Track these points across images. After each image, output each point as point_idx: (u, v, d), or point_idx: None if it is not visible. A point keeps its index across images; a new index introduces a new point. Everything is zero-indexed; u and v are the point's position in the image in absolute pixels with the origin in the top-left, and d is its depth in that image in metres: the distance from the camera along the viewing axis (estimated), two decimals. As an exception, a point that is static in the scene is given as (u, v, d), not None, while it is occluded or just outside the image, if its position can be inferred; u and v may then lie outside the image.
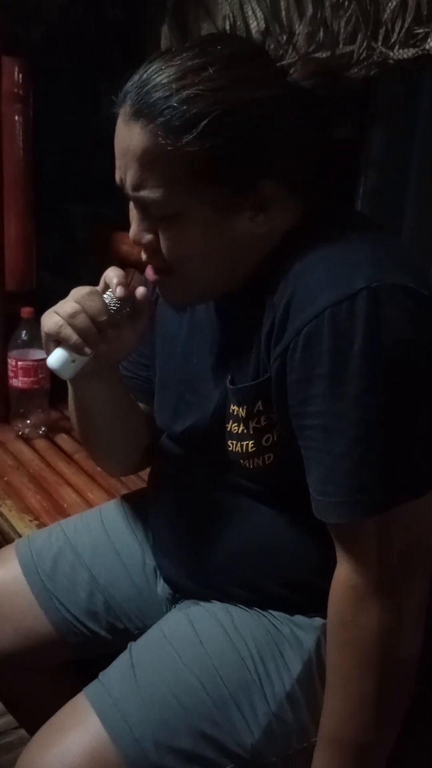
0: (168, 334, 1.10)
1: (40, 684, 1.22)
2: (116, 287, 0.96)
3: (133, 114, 0.84)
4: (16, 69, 1.84)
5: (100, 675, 0.99)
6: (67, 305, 0.94)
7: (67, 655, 1.20)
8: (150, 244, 0.91)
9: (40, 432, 1.93)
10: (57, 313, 0.94)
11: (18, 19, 1.78)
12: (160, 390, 1.13)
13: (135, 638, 1.05)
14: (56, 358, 0.96)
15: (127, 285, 0.97)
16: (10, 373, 1.88)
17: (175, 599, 1.12)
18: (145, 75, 0.84)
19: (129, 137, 0.85)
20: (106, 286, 0.99)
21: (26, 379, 1.87)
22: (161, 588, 1.15)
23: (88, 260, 2.07)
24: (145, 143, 0.84)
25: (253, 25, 1.55)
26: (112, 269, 0.99)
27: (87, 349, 0.94)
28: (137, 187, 0.86)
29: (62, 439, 1.91)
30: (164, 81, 0.83)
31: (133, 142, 0.84)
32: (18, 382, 1.88)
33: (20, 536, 1.49)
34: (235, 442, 0.95)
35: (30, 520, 1.56)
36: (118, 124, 0.87)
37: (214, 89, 0.82)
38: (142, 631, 1.09)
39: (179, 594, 1.10)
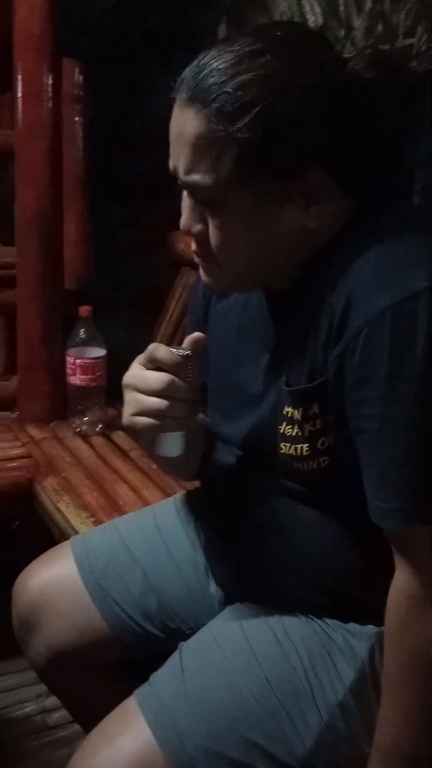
0: (219, 336, 1.07)
1: (95, 682, 1.21)
2: (178, 369, 0.90)
3: (188, 99, 0.83)
4: (77, 71, 1.84)
5: (151, 678, 0.97)
6: (153, 402, 0.88)
7: (121, 654, 1.18)
8: (199, 234, 0.89)
9: (98, 429, 1.92)
10: (145, 414, 0.90)
11: (73, 20, 1.78)
12: (212, 392, 1.10)
13: (187, 638, 1.03)
14: (169, 444, 0.91)
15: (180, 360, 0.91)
16: (69, 371, 1.88)
17: (227, 600, 1.09)
18: (202, 61, 0.83)
19: (183, 122, 0.84)
20: (156, 366, 0.91)
21: (84, 376, 1.87)
22: (213, 588, 1.12)
23: (130, 262, 2.06)
24: (198, 128, 0.82)
25: (311, 20, 1.51)
26: (160, 350, 0.90)
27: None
28: (188, 172, 0.85)
29: (119, 437, 1.91)
30: (220, 66, 0.81)
31: (187, 127, 0.83)
32: (76, 379, 1.88)
33: (77, 533, 1.48)
34: (288, 444, 0.92)
35: (86, 517, 1.55)
36: (174, 109, 0.86)
37: (268, 75, 0.80)
38: (194, 631, 1.06)
39: (231, 596, 1.08)
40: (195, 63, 0.84)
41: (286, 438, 0.92)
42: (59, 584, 1.18)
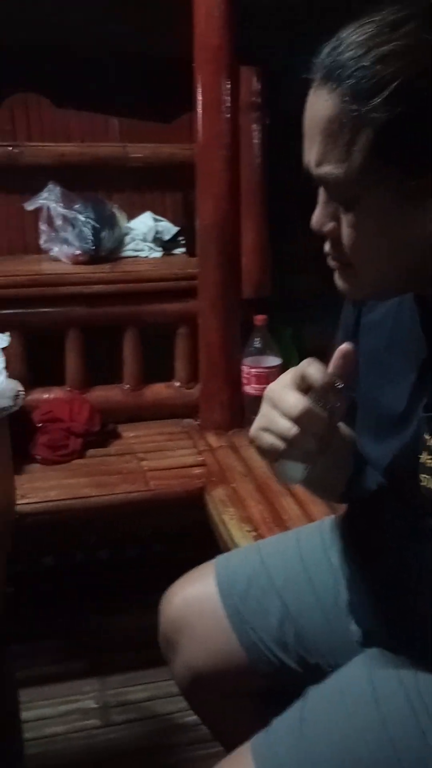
0: (368, 348, 0.96)
1: (235, 707, 1.15)
2: (326, 392, 0.80)
3: (321, 78, 0.73)
4: (254, 78, 1.79)
5: (271, 723, 0.90)
6: (283, 426, 0.78)
7: (259, 684, 1.11)
8: (331, 233, 0.79)
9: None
10: (272, 433, 0.82)
11: (253, 26, 1.73)
12: (360, 408, 0.99)
13: (326, 675, 0.94)
14: (288, 472, 0.84)
15: (333, 383, 0.82)
16: (244, 380, 1.84)
17: (365, 641, 0.98)
18: (340, 36, 0.74)
19: (315, 106, 0.74)
20: (307, 384, 0.83)
21: (259, 386, 1.83)
22: (353, 626, 1.02)
23: (305, 269, 1.96)
24: (330, 110, 0.72)
25: None
26: (314, 368, 0.81)
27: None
28: (319, 163, 0.75)
29: (293, 448, 1.83)
30: (359, 39, 0.71)
31: (319, 111, 0.74)
32: (251, 389, 1.84)
33: (237, 546, 1.44)
34: (428, 477, 0.79)
35: (248, 531, 1.50)
36: (308, 96, 0.76)
37: (411, 46, 0.69)
38: (334, 669, 0.97)
39: (369, 637, 0.97)
40: (333, 39, 0.74)
41: (426, 469, 0.80)
42: (199, 605, 1.14)
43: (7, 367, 1.63)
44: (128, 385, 2.06)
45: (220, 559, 1.20)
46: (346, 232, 0.77)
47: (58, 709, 1.80)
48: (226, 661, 1.10)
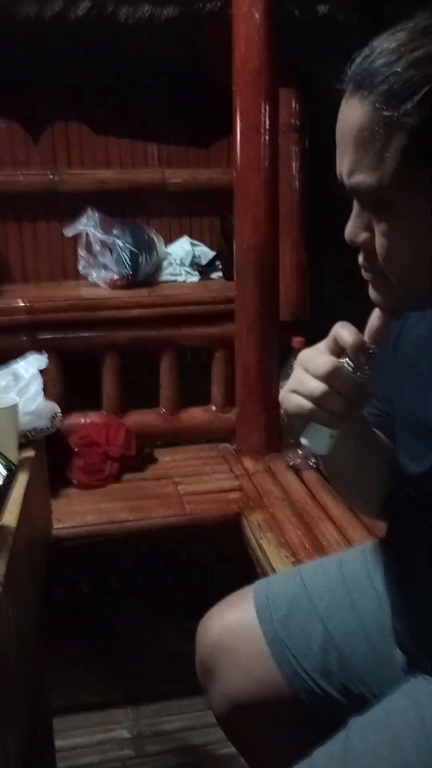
0: (410, 363, 0.93)
1: (275, 738, 1.10)
2: (357, 352, 0.80)
3: (353, 88, 0.72)
4: (293, 100, 1.79)
5: (313, 754, 0.85)
6: (311, 385, 0.78)
7: (300, 713, 1.06)
8: (365, 244, 0.77)
9: (311, 463, 1.82)
10: (300, 394, 0.80)
11: (293, 47, 1.72)
12: (399, 424, 0.95)
13: (370, 705, 0.89)
14: (310, 437, 0.82)
15: (363, 344, 0.81)
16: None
17: (410, 668, 0.93)
18: (372, 45, 0.72)
19: (347, 116, 0.73)
20: (340, 348, 0.82)
21: (297, 409, 1.78)
22: (398, 653, 0.97)
23: (344, 291, 1.93)
24: (362, 118, 0.70)
25: None
26: (345, 329, 0.80)
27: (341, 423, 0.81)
28: (352, 172, 0.73)
29: (332, 472, 1.79)
30: (391, 46, 0.70)
31: (350, 120, 0.72)
32: (289, 412, 1.80)
33: (275, 572, 1.39)
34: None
35: (286, 556, 1.46)
36: (340, 107, 0.74)
37: None
38: (378, 698, 0.92)
39: (415, 664, 0.92)
40: (365, 48, 0.73)
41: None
42: (238, 631, 1.09)
43: (44, 390, 1.66)
44: (165, 409, 2.04)
45: (260, 583, 1.15)
46: (379, 242, 0.74)
47: (92, 738, 1.76)
48: (266, 690, 1.05)
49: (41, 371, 1.46)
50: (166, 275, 2.17)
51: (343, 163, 0.74)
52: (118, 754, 1.72)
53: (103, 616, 1.91)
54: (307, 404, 0.77)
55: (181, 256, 2.17)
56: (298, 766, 0.84)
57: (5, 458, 1.09)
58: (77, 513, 1.69)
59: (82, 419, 1.98)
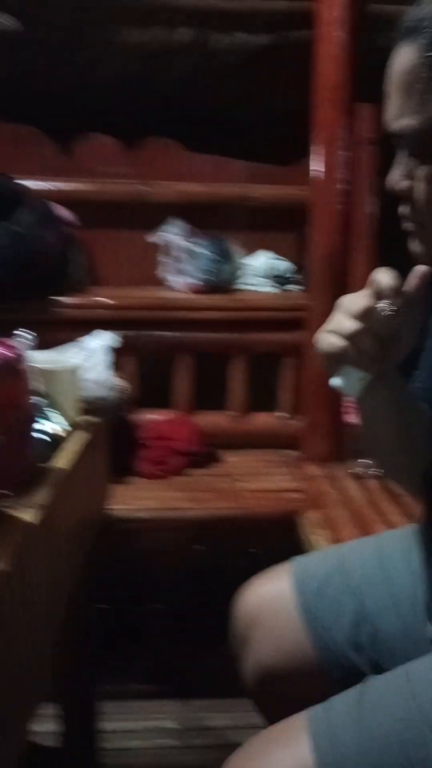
0: None
1: (304, 709, 1.09)
2: (392, 295, 0.82)
3: (403, 34, 0.75)
4: (369, 114, 1.82)
5: (328, 700, 0.84)
6: (346, 324, 0.81)
7: (330, 688, 1.04)
8: (406, 192, 0.78)
9: (372, 471, 1.80)
10: (335, 333, 0.83)
11: (371, 63, 1.76)
12: None
13: None
14: (342, 378, 0.85)
15: (400, 288, 0.82)
16: (345, 411, 1.80)
17: (440, 644, 0.91)
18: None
19: (394, 64, 0.76)
20: (378, 293, 0.84)
21: (360, 416, 1.78)
22: (429, 631, 0.95)
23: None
24: (408, 62, 0.73)
25: None
26: (383, 273, 0.84)
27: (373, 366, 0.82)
28: (396, 117, 0.76)
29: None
30: None
31: (397, 65, 0.75)
32: (352, 419, 1.79)
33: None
34: None
35: (336, 551, 1.44)
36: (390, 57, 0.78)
37: None
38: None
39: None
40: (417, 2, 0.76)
41: None
42: (273, 601, 1.10)
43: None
44: (233, 412, 2.07)
45: (299, 558, 1.16)
46: (420, 188, 0.76)
47: (138, 724, 1.77)
48: (297, 661, 1.05)
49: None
50: (243, 285, 2.21)
51: (389, 110, 0.77)
52: (162, 743, 1.73)
53: (155, 613, 1.94)
54: (340, 342, 0.79)
55: (259, 267, 2.21)
56: (313, 708, 0.84)
57: (66, 414, 1.15)
58: (137, 498, 1.73)
59: (153, 415, 2.04)
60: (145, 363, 2.07)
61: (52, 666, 0.98)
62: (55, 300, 1.99)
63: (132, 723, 1.76)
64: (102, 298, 2.01)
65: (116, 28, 2.18)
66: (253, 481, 1.85)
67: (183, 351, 2.05)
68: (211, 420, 2.06)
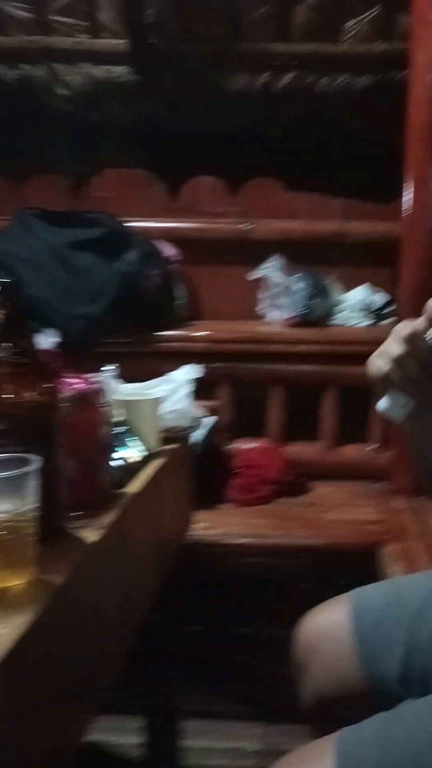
0: None
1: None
2: None
3: None
4: None
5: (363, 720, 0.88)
6: (393, 347, 0.88)
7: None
8: None
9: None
10: (383, 356, 0.89)
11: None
12: None
13: None
14: (387, 402, 0.90)
15: None
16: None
17: None
18: None
19: None
20: (429, 320, 0.89)
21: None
22: None
23: None
24: None
25: None
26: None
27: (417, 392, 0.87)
28: None
29: None
30: None
31: None
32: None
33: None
34: None
35: (410, 586, 1.45)
36: None
37: None
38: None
39: None
40: None
41: None
42: (330, 631, 1.13)
43: (216, 416, 1.82)
44: (323, 444, 2.11)
45: (358, 589, 1.18)
46: None
47: (220, 744, 1.82)
48: (350, 691, 1.08)
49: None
50: (339, 320, 2.25)
51: None
52: (242, 764, 1.77)
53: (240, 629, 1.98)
54: (385, 366, 0.83)
55: (355, 302, 2.25)
56: (345, 729, 0.87)
57: (145, 443, 1.24)
58: (225, 524, 1.80)
59: (246, 445, 2.11)
60: (241, 394, 2.14)
61: (117, 677, 1.06)
62: (159, 334, 2.11)
63: (215, 742, 1.81)
64: (200, 332, 2.11)
65: (229, 75, 2.31)
66: (338, 511, 1.87)
67: (277, 383, 2.11)
68: (301, 450, 2.10)
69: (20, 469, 0.81)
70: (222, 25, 2.26)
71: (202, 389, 2.10)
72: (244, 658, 1.97)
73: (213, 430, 1.98)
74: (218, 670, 1.96)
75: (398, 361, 0.83)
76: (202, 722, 1.82)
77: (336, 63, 2.26)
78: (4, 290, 0.90)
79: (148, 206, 2.37)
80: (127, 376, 1.41)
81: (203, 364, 2.06)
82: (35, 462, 0.82)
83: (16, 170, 2.43)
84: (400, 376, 0.84)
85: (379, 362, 0.87)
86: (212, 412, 2.07)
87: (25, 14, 2.25)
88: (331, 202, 2.31)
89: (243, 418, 2.15)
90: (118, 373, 1.28)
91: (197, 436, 1.92)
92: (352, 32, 2.23)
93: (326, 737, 0.88)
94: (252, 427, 2.15)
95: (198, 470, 1.84)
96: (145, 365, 1.63)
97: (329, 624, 1.14)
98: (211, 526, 1.78)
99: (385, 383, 0.86)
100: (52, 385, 0.92)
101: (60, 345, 1.76)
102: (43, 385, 0.91)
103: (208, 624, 1.98)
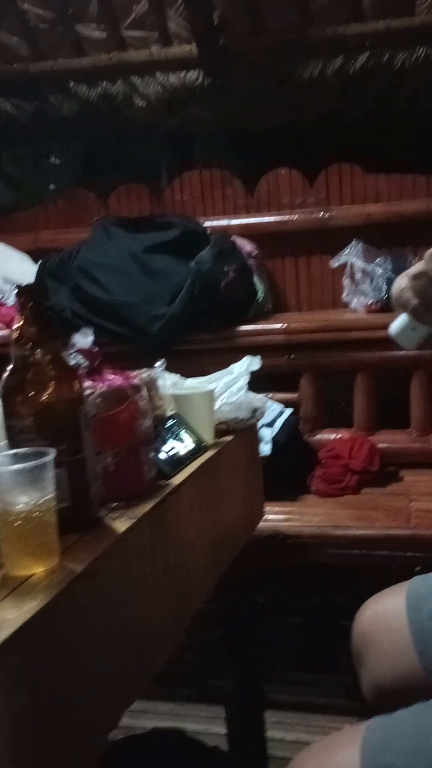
0: None
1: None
2: None
3: None
4: None
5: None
6: (415, 267, 0.86)
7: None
8: None
9: None
10: (406, 275, 0.87)
11: None
12: None
13: None
14: (396, 325, 0.88)
15: None
16: None
17: None
18: None
19: None
20: None
21: None
22: None
23: None
24: None
25: None
26: None
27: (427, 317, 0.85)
28: None
29: None
30: None
31: None
32: None
33: None
34: None
35: None
36: None
37: None
38: None
39: None
40: None
41: None
42: (387, 620, 1.09)
43: (299, 408, 1.82)
44: (415, 431, 2.02)
45: (417, 578, 1.13)
46: None
47: (308, 737, 1.79)
48: (406, 680, 1.03)
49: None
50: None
51: None
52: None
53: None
54: (403, 283, 0.82)
55: (443, 282, 2.14)
56: (376, 718, 0.84)
57: (197, 435, 1.25)
58: (307, 515, 1.77)
59: (332, 435, 2.06)
60: (326, 384, 2.10)
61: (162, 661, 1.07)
62: (238, 329, 2.11)
63: (303, 735, 1.78)
64: (279, 324, 2.08)
65: (303, 64, 2.27)
66: (428, 501, 1.79)
67: (361, 370, 2.06)
68: (391, 438, 2.03)
69: (35, 461, 0.84)
70: (290, 14, 2.23)
71: (285, 381, 2.09)
72: (333, 649, 1.93)
73: (292, 422, 1.95)
74: (307, 661, 1.93)
75: (416, 277, 0.81)
76: (290, 714, 1.80)
77: (412, 36, 2.18)
78: (25, 293, 0.93)
79: (227, 204, 2.38)
80: (206, 372, 1.42)
81: (285, 356, 2.07)
82: (51, 454, 0.85)
83: (102, 184, 2.52)
84: (410, 296, 0.82)
85: (400, 281, 0.84)
86: (294, 403, 2.05)
87: (99, 34, 2.33)
88: (416, 181, 2.22)
89: (329, 409, 2.10)
90: (167, 368, 1.30)
91: (275, 427, 1.91)
92: (426, 2, 2.15)
93: (356, 725, 0.85)
94: (339, 418, 2.11)
95: (278, 462, 1.83)
96: (225, 360, 1.65)
97: (386, 612, 1.10)
98: (292, 516, 1.76)
99: (402, 303, 0.84)
100: (75, 381, 0.95)
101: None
102: (67, 382, 0.93)
103: (300, 615, 1.97)
